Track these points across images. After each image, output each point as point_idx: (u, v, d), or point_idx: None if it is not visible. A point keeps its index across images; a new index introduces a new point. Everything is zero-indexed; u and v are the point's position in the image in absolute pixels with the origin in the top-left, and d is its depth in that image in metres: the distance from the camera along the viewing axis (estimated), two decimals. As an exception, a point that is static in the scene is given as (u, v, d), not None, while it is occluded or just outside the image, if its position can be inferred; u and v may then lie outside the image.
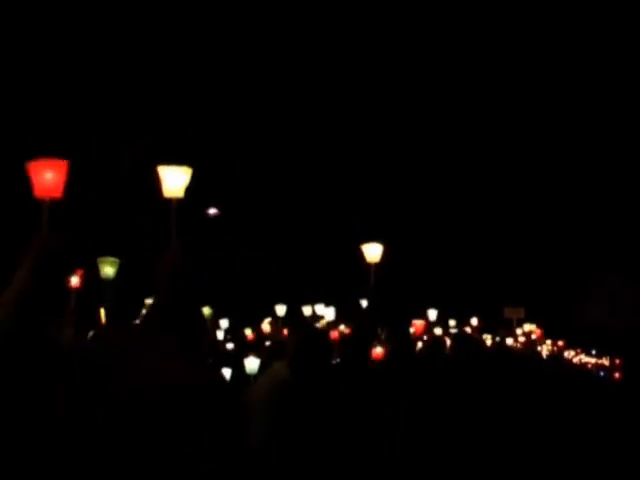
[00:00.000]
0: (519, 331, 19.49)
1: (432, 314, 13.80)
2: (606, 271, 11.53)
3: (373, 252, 6.87)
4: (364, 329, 6.38)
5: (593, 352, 37.52)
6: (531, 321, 20.91)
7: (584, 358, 34.06)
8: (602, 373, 31.94)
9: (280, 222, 28.07)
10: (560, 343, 26.10)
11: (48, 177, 3.30)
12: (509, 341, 17.24)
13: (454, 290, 27.66)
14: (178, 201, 4.03)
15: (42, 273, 2.40)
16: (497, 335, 16.79)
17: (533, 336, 20.38)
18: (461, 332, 12.50)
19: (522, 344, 18.91)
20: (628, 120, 29.01)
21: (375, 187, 31.93)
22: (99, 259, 8.22)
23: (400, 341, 7.28)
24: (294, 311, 13.25)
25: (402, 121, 32.64)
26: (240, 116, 27.87)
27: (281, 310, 13.48)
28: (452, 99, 32.16)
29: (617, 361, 29.89)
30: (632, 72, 27.45)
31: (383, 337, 7.85)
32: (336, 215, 29.15)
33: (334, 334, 10.14)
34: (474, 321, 15.86)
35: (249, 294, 22.78)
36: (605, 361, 34.73)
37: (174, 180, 4.06)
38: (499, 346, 15.01)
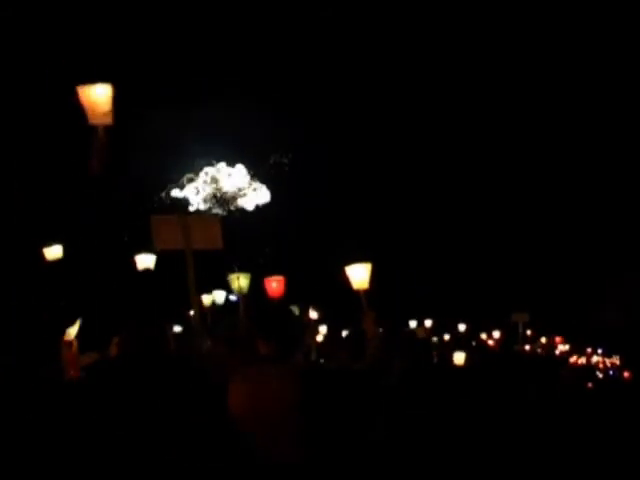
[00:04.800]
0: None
1: (461, 327, 16.06)
2: (622, 272, 11.85)
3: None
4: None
5: (600, 351, 37.66)
6: (536, 324, 22.41)
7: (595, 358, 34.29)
8: (611, 372, 32.11)
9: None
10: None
11: None
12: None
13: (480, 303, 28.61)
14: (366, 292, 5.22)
15: None
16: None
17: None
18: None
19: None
20: (635, 127, 29.24)
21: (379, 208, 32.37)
22: None
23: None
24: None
25: (399, 128, 32.91)
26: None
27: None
28: (449, 109, 32.45)
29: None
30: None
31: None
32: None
33: None
34: (496, 334, 16.89)
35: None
36: (615, 360, 34.84)
37: (359, 275, 5.26)
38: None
